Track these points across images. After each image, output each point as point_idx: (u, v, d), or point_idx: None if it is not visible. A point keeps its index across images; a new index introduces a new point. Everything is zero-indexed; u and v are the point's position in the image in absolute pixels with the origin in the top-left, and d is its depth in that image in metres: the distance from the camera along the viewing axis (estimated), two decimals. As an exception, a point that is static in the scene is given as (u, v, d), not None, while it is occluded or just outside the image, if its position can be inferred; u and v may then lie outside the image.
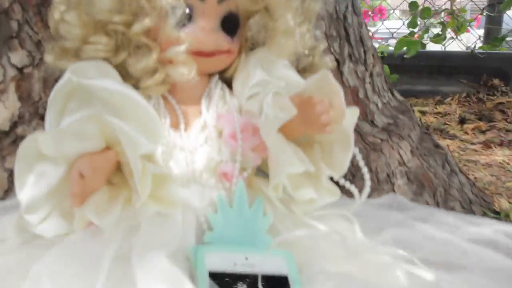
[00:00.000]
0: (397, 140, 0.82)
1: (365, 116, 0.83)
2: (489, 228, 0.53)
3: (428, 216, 0.55)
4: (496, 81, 2.03)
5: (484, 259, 0.50)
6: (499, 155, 1.45)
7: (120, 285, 0.40)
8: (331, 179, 0.57)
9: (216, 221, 0.51)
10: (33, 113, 0.67)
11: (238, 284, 0.46)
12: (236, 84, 0.59)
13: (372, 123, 0.83)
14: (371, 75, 0.87)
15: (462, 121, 1.76)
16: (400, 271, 0.48)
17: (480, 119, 1.77)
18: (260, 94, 0.56)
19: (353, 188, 0.56)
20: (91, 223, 0.48)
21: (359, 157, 0.56)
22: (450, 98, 1.98)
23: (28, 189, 0.47)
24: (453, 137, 1.60)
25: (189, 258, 0.48)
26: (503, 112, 1.83)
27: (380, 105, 0.86)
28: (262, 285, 0.46)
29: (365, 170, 0.56)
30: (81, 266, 0.42)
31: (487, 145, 1.55)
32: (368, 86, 0.85)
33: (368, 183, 0.56)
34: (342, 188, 0.58)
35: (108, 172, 0.49)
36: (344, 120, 0.51)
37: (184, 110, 0.56)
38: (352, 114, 0.53)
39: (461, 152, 1.47)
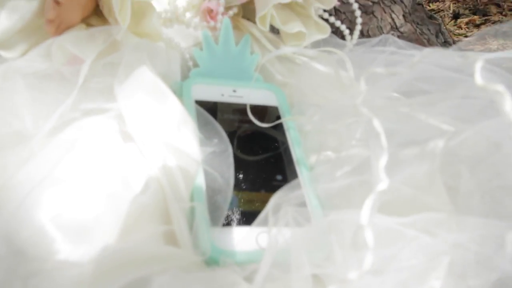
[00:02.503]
0: (389, 4, 0.79)
1: (356, -21, 0.79)
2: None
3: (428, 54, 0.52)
4: (492, -23, 1.96)
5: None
6: (493, 44, 1.42)
7: (98, 97, 0.38)
8: (322, 18, 0.54)
9: (201, 58, 0.49)
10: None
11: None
12: None
13: (363, -14, 0.79)
14: None
15: (455, 16, 1.72)
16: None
17: (474, 14, 1.73)
18: None
19: (343, 27, 0.54)
20: (71, 60, 0.46)
21: (349, -8, 0.53)
22: (443, -5, 1.92)
23: (0, 22, 0.45)
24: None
25: (174, 92, 0.46)
26: (498, 5, 1.78)
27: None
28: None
29: (355, 6, 0.53)
30: (56, 85, 0.40)
31: (481, 37, 1.52)
32: None
33: (359, 20, 0.54)
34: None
35: (85, 2, 0.46)
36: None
37: None
38: None
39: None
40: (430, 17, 0.92)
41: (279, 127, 0.45)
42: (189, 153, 0.37)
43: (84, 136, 0.34)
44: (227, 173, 0.38)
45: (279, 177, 0.41)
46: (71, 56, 0.45)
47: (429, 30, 0.87)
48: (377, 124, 0.27)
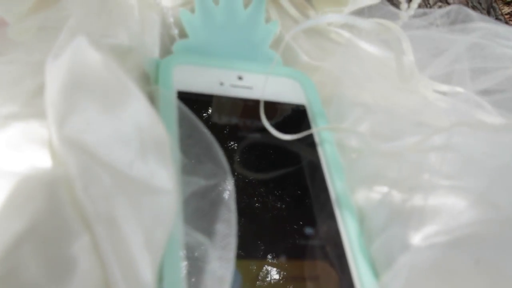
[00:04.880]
0: (438, -32, 0.62)
1: None
2: None
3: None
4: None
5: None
6: (528, 25, 1.26)
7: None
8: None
9: (192, 24, 0.32)
10: None
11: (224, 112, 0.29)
12: None
13: None
14: None
15: (484, -8, 1.55)
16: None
17: (504, -10, 1.55)
18: None
19: (400, -10, 0.38)
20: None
21: None
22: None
23: None
24: (476, 10, 1.41)
25: (147, 75, 0.30)
26: (531, -19, 1.60)
27: None
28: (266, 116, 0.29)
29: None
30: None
31: (513, 16, 1.35)
32: None
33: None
34: None
35: None
36: None
37: None
38: None
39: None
40: (480, -12, 0.75)
41: (308, 140, 0.29)
42: (158, 195, 0.20)
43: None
44: (225, 227, 0.22)
45: (309, 231, 0.25)
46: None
47: (479, 3, 0.71)
48: None
